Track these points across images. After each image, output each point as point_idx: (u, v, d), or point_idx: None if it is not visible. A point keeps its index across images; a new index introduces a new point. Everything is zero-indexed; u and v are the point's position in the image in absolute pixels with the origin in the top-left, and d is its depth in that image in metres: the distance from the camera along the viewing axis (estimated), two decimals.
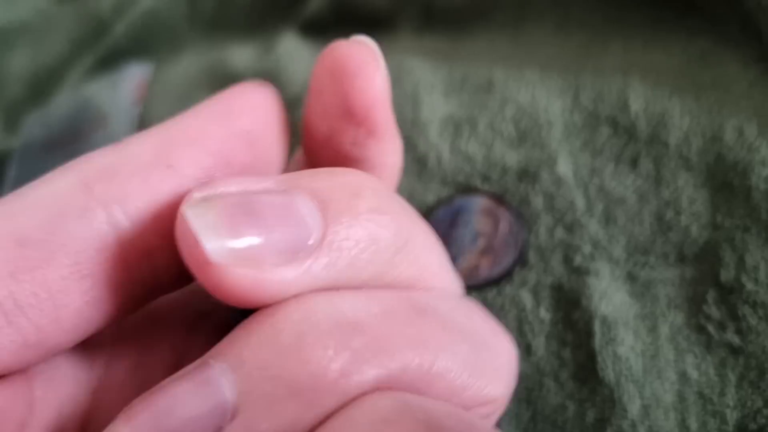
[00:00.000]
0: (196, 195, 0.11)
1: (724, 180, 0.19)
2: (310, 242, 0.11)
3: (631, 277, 0.19)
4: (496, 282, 0.20)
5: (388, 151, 0.15)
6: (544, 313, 0.19)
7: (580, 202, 0.20)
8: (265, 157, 0.14)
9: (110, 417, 0.11)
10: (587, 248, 0.20)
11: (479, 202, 0.21)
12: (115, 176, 0.11)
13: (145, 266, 0.12)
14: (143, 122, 0.26)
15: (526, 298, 0.20)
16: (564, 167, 0.20)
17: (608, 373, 0.18)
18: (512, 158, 0.21)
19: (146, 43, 0.29)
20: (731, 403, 0.17)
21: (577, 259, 0.20)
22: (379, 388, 0.11)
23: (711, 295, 0.18)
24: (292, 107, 0.24)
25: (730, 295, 0.18)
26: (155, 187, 0.12)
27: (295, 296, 0.11)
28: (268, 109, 0.14)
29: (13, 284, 0.11)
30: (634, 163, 0.20)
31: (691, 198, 0.19)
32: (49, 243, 0.11)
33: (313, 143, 0.15)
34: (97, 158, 0.12)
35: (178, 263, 0.11)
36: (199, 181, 0.12)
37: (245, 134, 0.13)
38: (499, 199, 0.21)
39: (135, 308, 0.12)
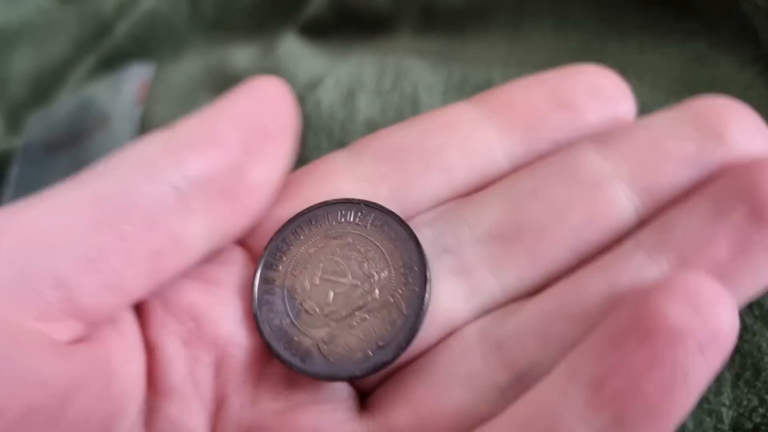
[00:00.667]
0: None
1: None
2: None
3: None
4: None
5: None
6: None
7: None
8: (283, 147, 0.15)
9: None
10: None
11: None
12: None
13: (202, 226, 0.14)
14: (145, 123, 0.27)
15: None
16: None
17: None
18: None
19: (148, 43, 0.30)
20: (727, 402, 0.17)
21: None
22: None
23: None
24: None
25: None
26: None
27: None
28: (284, 102, 0.15)
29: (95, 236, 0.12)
30: None
31: None
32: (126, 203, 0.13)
33: None
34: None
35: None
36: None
37: (264, 128, 0.14)
38: None
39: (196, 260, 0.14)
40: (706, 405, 0.18)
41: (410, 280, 0.14)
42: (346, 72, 0.24)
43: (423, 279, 0.14)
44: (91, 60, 0.30)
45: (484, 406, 0.13)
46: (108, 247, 0.13)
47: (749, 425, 0.17)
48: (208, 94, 0.27)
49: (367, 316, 0.14)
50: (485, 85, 0.22)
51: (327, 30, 0.27)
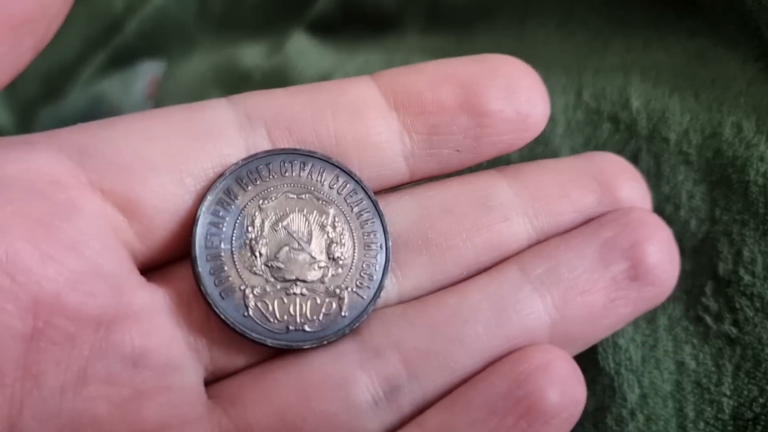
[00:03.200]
0: None
1: (723, 175, 0.19)
2: None
3: None
4: None
5: None
6: None
7: None
8: None
9: None
10: None
11: None
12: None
13: None
14: None
15: None
16: None
17: (608, 363, 0.19)
18: (515, 154, 0.21)
19: (158, 41, 0.30)
20: (728, 392, 0.18)
21: None
22: None
23: (709, 287, 0.19)
24: None
25: (727, 287, 0.18)
26: None
27: None
28: None
29: None
30: (634, 158, 0.20)
31: (690, 193, 0.19)
32: None
33: None
34: None
35: None
36: None
37: None
38: None
39: None
40: (707, 395, 0.18)
41: (364, 285, 0.13)
42: (354, 69, 0.24)
43: (375, 293, 0.13)
44: (101, 57, 0.31)
45: (355, 415, 0.13)
46: None
47: (749, 415, 0.17)
48: (217, 91, 0.27)
49: (307, 294, 0.13)
50: None
51: (335, 28, 0.28)
